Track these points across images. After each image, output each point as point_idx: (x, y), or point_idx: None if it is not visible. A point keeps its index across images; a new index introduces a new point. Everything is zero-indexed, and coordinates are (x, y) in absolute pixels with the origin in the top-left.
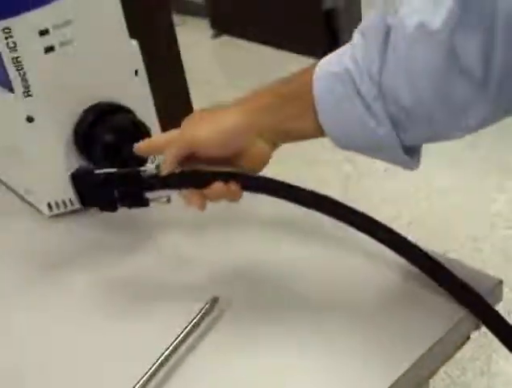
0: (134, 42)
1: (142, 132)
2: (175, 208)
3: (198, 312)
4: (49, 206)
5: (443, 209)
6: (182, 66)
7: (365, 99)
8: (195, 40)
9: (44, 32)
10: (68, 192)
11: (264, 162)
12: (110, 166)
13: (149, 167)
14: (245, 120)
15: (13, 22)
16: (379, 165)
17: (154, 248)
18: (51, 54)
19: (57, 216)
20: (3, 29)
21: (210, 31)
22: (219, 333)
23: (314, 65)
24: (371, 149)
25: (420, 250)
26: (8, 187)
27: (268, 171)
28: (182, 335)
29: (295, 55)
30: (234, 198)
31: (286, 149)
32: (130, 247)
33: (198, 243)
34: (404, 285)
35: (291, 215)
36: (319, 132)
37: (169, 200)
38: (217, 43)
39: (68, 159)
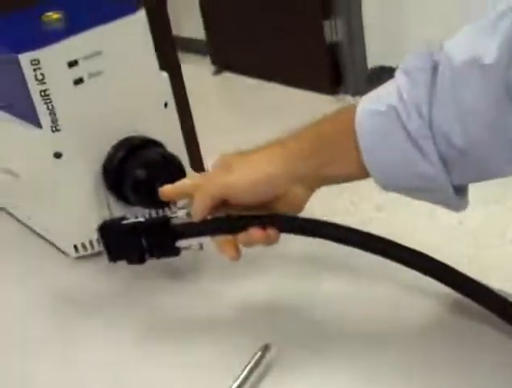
0: (164, 73)
1: (174, 166)
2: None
3: (250, 360)
4: (75, 248)
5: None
6: (187, 103)
7: (414, 137)
8: (196, 77)
9: (73, 64)
10: (95, 232)
11: (302, 207)
12: (141, 203)
13: (180, 214)
14: (282, 167)
15: (41, 53)
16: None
17: (188, 289)
18: (80, 86)
19: (83, 257)
20: (31, 61)
21: (211, 68)
22: (273, 379)
23: (353, 105)
24: (419, 190)
25: (488, 289)
26: (30, 228)
27: None
28: (236, 384)
29: (298, 90)
30: (271, 242)
31: None
32: (163, 289)
33: (231, 281)
34: (464, 324)
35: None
36: (362, 173)
37: (201, 248)
38: (218, 79)
39: (96, 197)
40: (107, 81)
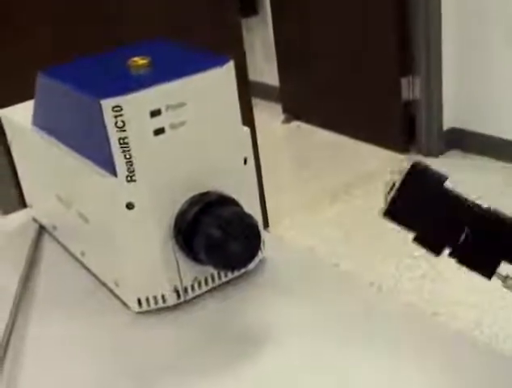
0: (246, 128)
1: (251, 228)
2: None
3: None
4: (139, 301)
5: None
6: (259, 163)
7: None
8: (265, 124)
9: (155, 113)
10: (160, 287)
11: None
12: (211, 263)
13: None
14: None
15: (125, 100)
16: None
17: (261, 360)
18: (160, 137)
19: (145, 313)
20: (113, 107)
21: (281, 116)
22: None
23: None
24: None
25: None
26: (97, 278)
27: None
28: None
29: (368, 145)
30: None
31: None
32: (231, 356)
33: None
34: None
35: None
36: None
37: None
38: (288, 128)
39: (165, 252)
40: (188, 133)
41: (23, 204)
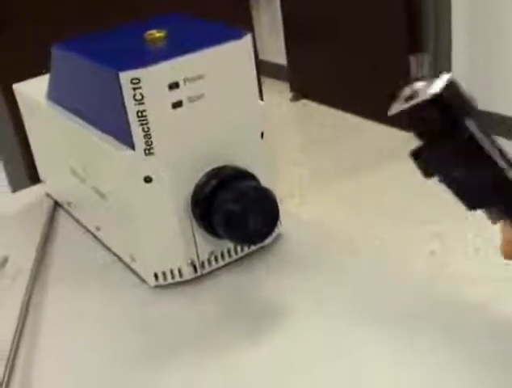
0: (262, 103)
1: (269, 202)
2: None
3: None
4: (155, 276)
5: None
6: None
7: None
8: (273, 102)
9: (173, 86)
10: (177, 262)
11: None
12: (229, 237)
13: None
14: None
15: (143, 72)
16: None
17: (278, 335)
18: (178, 110)
19: (162, 287)
20: (132, 79)
21: (289, 94)
22: None
23: None
24: None
25: None
26: (113, 253)
27: None
28: None
29: (376, 123)
30: None
31: None
32: (248, 331)
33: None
34: None
35: None
36: None
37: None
38: (296, 106)
39: (182, 226)
40: (206, 106)
41: (31, 180)
